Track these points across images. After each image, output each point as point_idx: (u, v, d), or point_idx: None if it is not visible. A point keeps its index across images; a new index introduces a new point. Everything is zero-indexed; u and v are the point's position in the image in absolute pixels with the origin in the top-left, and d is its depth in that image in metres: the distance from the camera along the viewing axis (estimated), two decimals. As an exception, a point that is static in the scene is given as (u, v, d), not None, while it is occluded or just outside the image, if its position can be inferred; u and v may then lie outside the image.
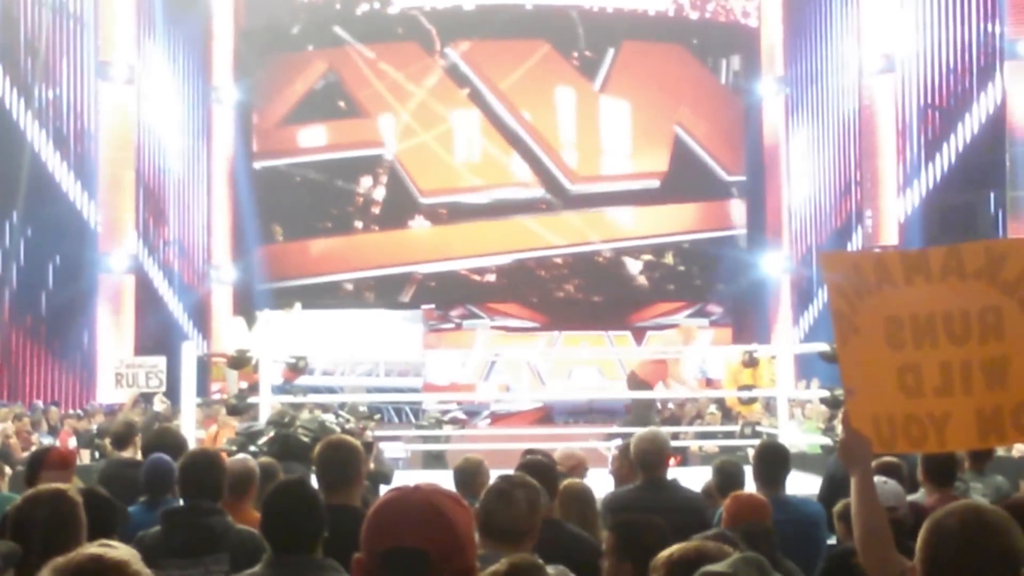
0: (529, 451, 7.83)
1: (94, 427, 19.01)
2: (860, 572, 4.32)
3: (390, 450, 15.53)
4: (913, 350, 4.41)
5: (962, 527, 3.34)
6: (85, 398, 23.95)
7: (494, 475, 5.65)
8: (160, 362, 18.11)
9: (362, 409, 15.08)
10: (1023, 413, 4.35)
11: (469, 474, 7.81)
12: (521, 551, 4.78)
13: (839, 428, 16.28)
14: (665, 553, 3.90)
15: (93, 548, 3.08)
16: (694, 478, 9.25)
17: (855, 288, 4.51)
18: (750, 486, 7.73)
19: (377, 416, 18.46)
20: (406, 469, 16.59)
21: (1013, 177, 23.57)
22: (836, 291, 4.57)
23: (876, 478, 5.85)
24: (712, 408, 19.85)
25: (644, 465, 7.81)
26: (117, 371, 17.77)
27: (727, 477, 7.90)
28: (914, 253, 4.55)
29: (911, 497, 7.05)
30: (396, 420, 25.69)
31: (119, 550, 3.14)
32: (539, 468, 6.09)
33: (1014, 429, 4.40)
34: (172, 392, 17.16)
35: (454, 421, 18.34)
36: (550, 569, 4.44)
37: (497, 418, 28.49)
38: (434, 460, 16.60)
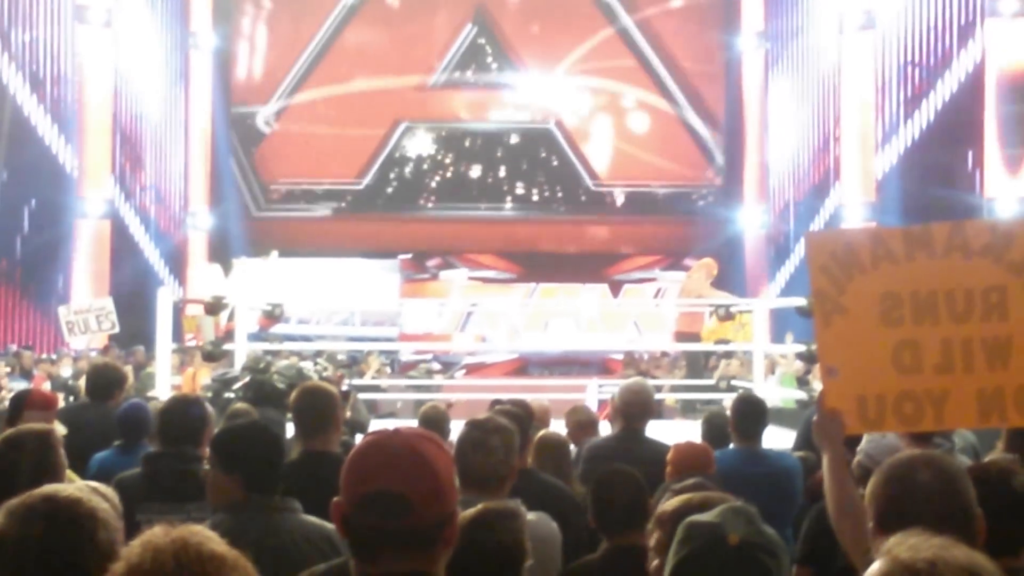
0: (496, 402, 7.87)
1: (64, 371, 18.98)
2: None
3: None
4: (912, 326, 4.39)
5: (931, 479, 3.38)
6: (60, 343, 23.89)
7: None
8: (107, 303, 18.10)
9: (340, 357, 15.09)
10: None
11: (434, 421, 7.84)
12: (501, 495, 4.81)
13: (814, 382, 16.36)
14: (669, 505, 3.88)
15: (47, 487, 3.08)
16: (670, 431, 9.29)
17: (844, 268, 4.47)
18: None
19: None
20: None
21: (991, 135, 23.60)
22: (820, 271, 4.53)
23: (878, 433, 5.89)
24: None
25: (627, 415, 7.84)
26: (67, 320, 17.73)
27: (715, 428, 7.95)
28: (917, 229, 4.52)
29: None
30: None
31: (76, 489, 3.14)
32: (510, 418, 6.09)
33: (1015, 411, 4.38)
34: (147, 338, 17.11)
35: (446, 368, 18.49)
36: (530, 515, 4.46)
37: (472, 369, 28.51)
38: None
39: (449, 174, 31.09)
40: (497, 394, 9.86)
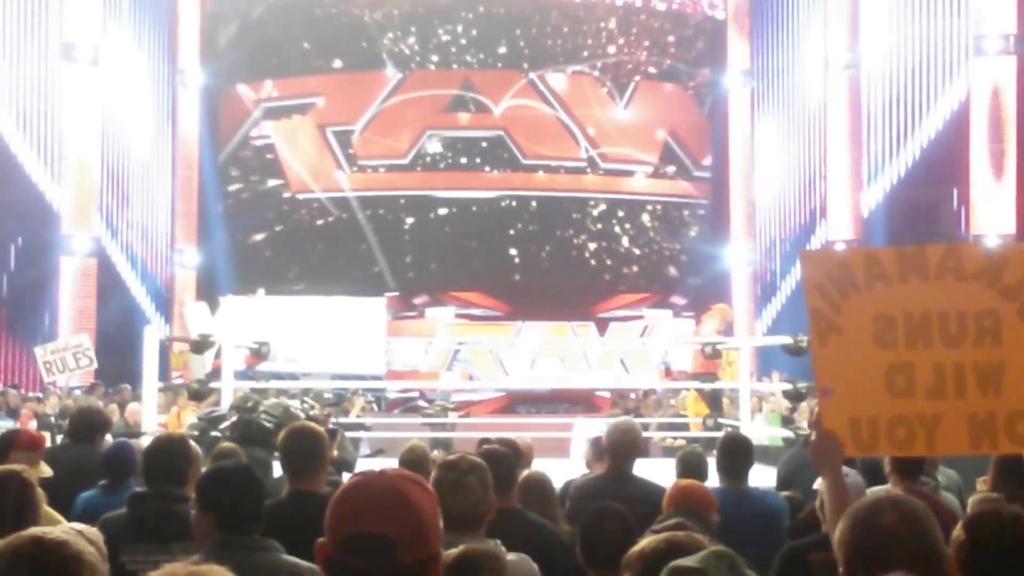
0: (484, 440, 7.86)
1: (50, 410, 18.92)
2: (814, 570, 4.33)
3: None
4: (905, 349, 4.37)
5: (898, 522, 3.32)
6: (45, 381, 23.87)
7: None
8: (84, 339, 18.11)
9: (327, 396, 15.08)
10: (1018, 421, 4.32)
11: (416, 462, 7.82)
12: (479, 534, 4.82)
13: (800, 421, 16.37)
14: (637, 547, 3.88)
15: (34, 530, 3.08)
16: (655, 470, 9.28)
17: (839, 286, 4.45)
18: (714, 477, 7.75)
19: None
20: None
21: (975, 174, 23.71)
22: (816, 290, 4.50)
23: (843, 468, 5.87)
24: (683, 393, 19.89)
25: (615, 454, 7.83)
26: (44, 360, 17.69)
27: (690, 468, 7.92)
28: (911, 250, 4.50)
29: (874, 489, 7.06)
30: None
31: (62, 532, 3.14)
32: (497, 457, 6.09)
33: (1007, 438, 4.36)
34: (134, 376, 17.07)
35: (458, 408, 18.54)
36: (511, 556, 4.45)
37: (459, 406, 28.44)
38: (442, 447, 16.61)
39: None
40: (486, 432, 9.85)
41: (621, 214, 30.75)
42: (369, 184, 30.37)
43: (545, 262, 30.60)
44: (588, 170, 30.54)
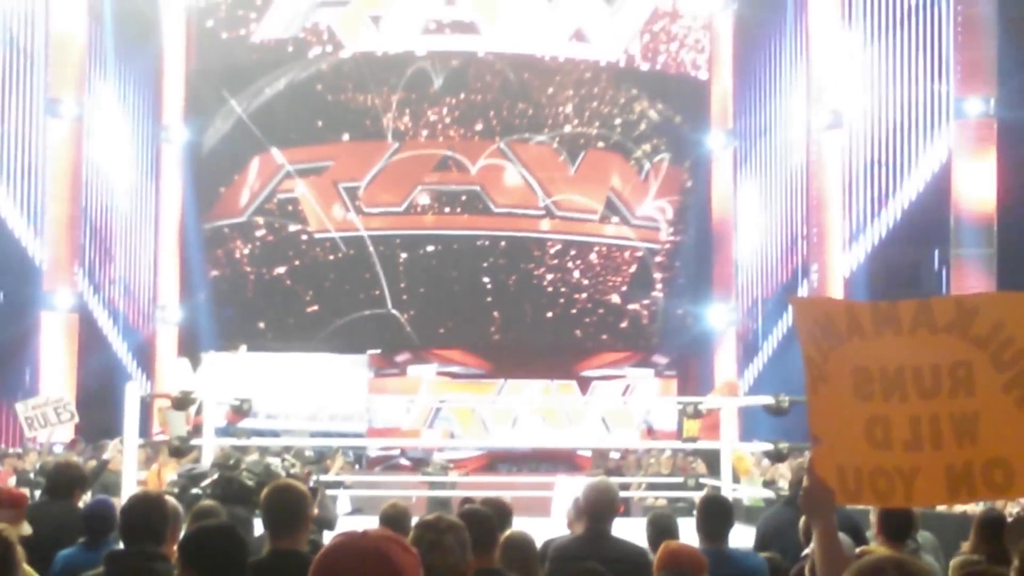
0: (466, 500, 7.85)
1: (29, 466, 18.83)
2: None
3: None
4: (882, 402, 4.37)
5: None
6: (26, 437, 23.76)
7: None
8: (64, 396, 18.09)
9: (308, 453, 15.02)
10: (995, 470, 4.31)
11: (394, 519, 7.81)
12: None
13: (780, 482, 16.37)
14: None
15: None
16: (636, 529, 9.25)
17: (826, 335, 4.46)
18: (687, 538, 7.71)
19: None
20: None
21: (956, 235, 23.82)
22: (808, 337, 4.50)
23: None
24: (668, 453, 19.89)
25: (592, 514, 7.79)
26: (26, 416, 17.66)
27: (660, 531, 7.89)
28: (884, 305, 4.50)
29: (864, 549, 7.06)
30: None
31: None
32: (479, 518, 6.09)
33: (984, 486, 4.35)
34: (115, 433, 17.02)
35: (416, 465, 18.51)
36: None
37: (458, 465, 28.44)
38: (439, 506, 16.55)
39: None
40: (509, 492, 9.85)
41: (573, 252, 31.05)
42: (370, 225, 30.74)
43: (528, 318, 30.71)
44: (545, 216, 30.88)
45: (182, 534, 5.80)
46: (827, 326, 4.48)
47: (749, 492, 17.02)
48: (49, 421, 17.60)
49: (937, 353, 4.39)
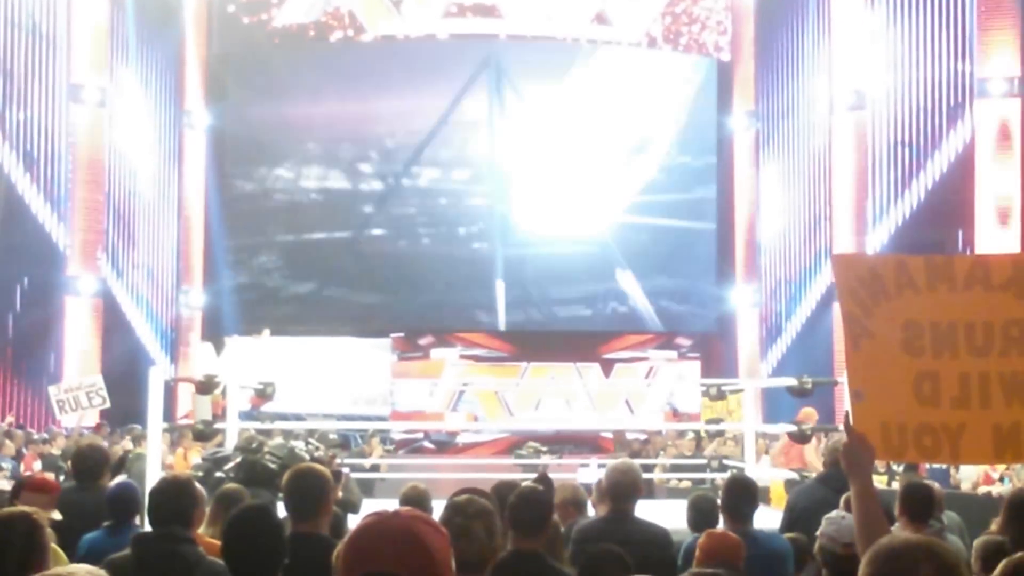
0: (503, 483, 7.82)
1: (56, 451, 18.88)
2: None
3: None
4: (932, 358, 4.36)
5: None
6: (51, 421, 23.83)
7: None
8: (97, 380, 18.16)
9: (332, 437, 15.02)
10: None
11: (416, 502, 7.81)
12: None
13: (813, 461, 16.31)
14: None
15: (54, 570, 3.09)
16: (660, 511, 9.24)
17: (870, 291, 4.44)
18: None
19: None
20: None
21: (980, 215, 23.75)
22: (848, 294, 4.50)
23: (836, 513, 5.84)
24: (690, 435, 19.87)
25: (615, 496, 7.77)
26: (57, 398, 17.75)
27: (701, 513, 7.88)
28: (939, 259, 4.51)
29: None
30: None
31: (83, 571, 3.15)
32: (535, 500, 6.11)
33: None
34: (139, 417, 17.07)
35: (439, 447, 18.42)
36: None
37: (466, 447, 28.39)
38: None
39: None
40: (492, 473, 9.83)
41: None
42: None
43: (551, 300, 30.74)
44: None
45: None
46: (872, 282, 4.46)
47: (773, 473, 16.97)
48: (80, 404, 17.69)
49: (991, 311, 4.38)
